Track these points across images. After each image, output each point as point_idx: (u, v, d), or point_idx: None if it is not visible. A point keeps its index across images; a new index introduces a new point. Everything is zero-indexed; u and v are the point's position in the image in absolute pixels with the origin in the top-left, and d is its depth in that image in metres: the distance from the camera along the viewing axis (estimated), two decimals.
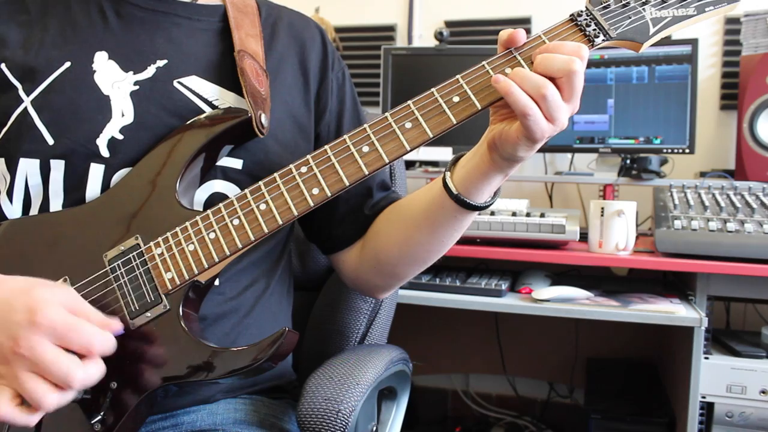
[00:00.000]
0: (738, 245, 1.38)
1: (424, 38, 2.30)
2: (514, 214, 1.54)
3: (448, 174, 0.80)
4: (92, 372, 0.64)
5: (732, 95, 2.00)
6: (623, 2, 0.72)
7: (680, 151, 1.79)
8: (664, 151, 1.81)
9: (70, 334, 0.62)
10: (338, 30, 2.28)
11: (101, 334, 0.64)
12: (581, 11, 0.72)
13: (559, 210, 1.70)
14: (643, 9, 0.72)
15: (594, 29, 0.71)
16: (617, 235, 1.48)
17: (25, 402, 0.63)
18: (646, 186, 1.80)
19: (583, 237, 1.54)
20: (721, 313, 1.88)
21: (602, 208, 1.50)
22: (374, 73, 2.19)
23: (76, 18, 0.85)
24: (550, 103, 0.67)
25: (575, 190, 2.12)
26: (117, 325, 0.68)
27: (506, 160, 0.74)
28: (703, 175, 1.89)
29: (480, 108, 0.71)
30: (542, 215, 1.53)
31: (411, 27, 2.30)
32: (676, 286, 1.65)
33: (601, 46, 0.72)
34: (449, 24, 2.25)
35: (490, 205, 0.80)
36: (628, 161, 1.83)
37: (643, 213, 1.90)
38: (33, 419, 0.64)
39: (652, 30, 0.72)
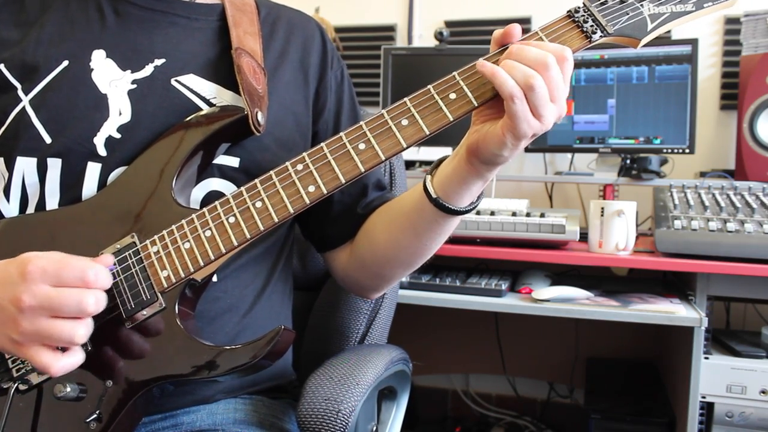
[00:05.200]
0: (738, 245, 1.37)
1: (424, 38, 2.29)
2: (514, 214, 1.54)
3: (428, 177, 0.79)
4: (100, 297, 0.65)
5: (732, 95, 1.99)
6: None
7: (680, 151, 1.79)
8: (664, 151, 1.80)
9: (61, 272, 0.64)
10: (338, 30, 2.27)
11: (92, 266, 0.66)
12: (578, 7, 0.72)
13: (559, 210, 1.69)
14: (641, 5, 0.72)
15: (591, 25, 0.71)
16: (617, 235, 1.47)
17: (59, 348, 0.65)
18: (646, 186, 1.80)
19: (583, 237, 1.54)
20: (721, 313, 1.88)
21: (602, 208, 1.50)
22: (374, 73, 2.19)
23: (74, 16, 0.85)
24: (537, 95, 0.66)
25: (575, 190, 2.12)
26: (108, 258, 0.70)
27: (486, 163, 0.73)
28: (703, 175, 1.88)
29: (477, 105, 0.70)
30: (542, 215, 1.53)
31: (411, 27, 2.30)
32: (676, 286, 1.65)
33: (599, 43, 0.72)
34: (449, 24, 2.24)
35: (472, 210, 0.79)
36: (628, 161, 1.83)
37: (643, 213, 1.89)
38: (79, 358, 0.67)
39: (650, 26, 0.71)
